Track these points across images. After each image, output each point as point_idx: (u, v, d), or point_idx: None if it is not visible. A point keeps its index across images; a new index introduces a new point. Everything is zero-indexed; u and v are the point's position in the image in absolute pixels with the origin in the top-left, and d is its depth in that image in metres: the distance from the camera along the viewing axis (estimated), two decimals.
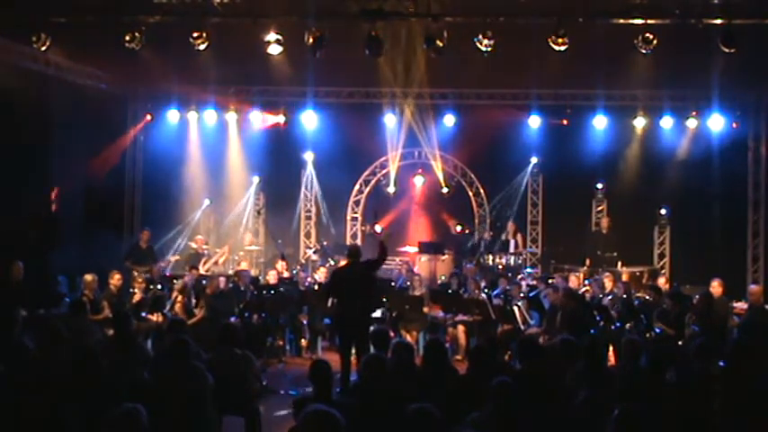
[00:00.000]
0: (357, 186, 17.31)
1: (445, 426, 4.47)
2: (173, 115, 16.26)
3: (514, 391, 5.10)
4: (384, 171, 17.02)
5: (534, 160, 16.61)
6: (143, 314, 11.25)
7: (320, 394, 5.42)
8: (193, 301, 11.87)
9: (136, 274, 12.48)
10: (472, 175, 17.06)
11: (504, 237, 16.00)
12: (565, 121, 15.82)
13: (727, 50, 9.69)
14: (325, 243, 16.33)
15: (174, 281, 12.34)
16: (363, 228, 17.00)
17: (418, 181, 16.87)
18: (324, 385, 5.51)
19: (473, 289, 12.18)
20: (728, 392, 5.74)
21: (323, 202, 17.25)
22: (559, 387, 5.89)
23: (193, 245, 15.22)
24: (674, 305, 10.61)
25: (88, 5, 10.30)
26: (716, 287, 10.95)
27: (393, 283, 13.06)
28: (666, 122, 15.40)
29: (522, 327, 11.31)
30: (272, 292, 12.14)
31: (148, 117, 16.35)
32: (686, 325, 10.18)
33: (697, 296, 11.11)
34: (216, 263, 15.03)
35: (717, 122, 15.15)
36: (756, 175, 15.56)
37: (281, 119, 16.30)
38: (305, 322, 12.27)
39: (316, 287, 12.69)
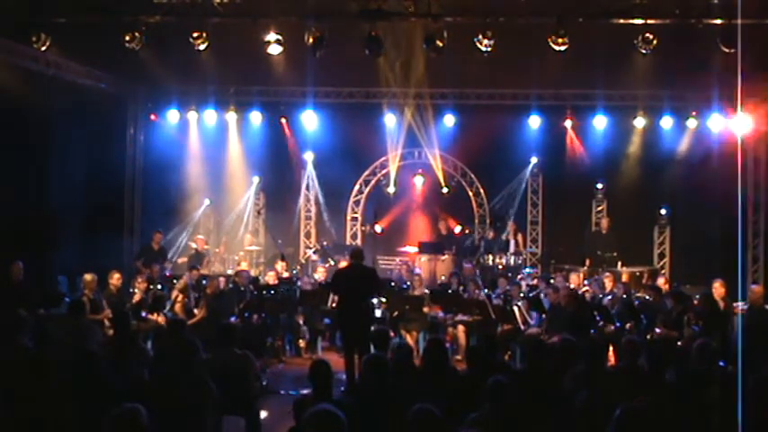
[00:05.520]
0: (357, 186, 17.31)
1: (445, 426, 4.46)
2: (173, 115, 16.26)
3: (510, 390, 5.10)
4: (384, 171, 17.02)
5: (534, 160, 16.63)
6: (143, 314, 11.26)
7: (320, 394, 5.42)
8: (193, 301, 11.87)
9: (146, 273, 12.45)
10: (472, 175, 17.06)
11: (504, 237, 16.01)
12: (569, 122, 15.86)
13: (727, 50, 9.69)
14: (325, 243, 16.35)
15: (174, 281, 12.35)
16: (363, 228, 17.00)
17: (418, 181, 16.87)
18: (324, 385, 5.51)
19: (472, 289, 12.19)
20: (728, 393, 5.73)
21: (323, 202, 17.26)
22: (559, 387, 5.89)
23: (194, 245, 15.24)
24: (675, 305, 10.61)
25: (88, 5, 10.29)
26: (718, 288, 10.94)
27: (393, 284, 13.06)
28: (666, 122, 15.40)
29: (522, 327, 11.31)
30: (272, 292, 12.15)
31: (153, 117, 16.36)
32: (685, 325, 10.18)
33: (697, 296, 11.11)
34: (214, 263, 15.07)
35: (717, 122, 15.15)
36: (756, 175, 15.55)
37: None
38: (301, 323, 12.29)
39: (309, 287, 12.72)
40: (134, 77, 14.90)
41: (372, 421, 5.11)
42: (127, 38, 10.34)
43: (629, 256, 15.03)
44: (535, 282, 13.69)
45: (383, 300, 12.06)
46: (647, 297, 11.61)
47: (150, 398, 5.06)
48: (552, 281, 12.74)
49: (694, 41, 10.29)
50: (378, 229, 15.55)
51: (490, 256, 15.43)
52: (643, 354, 6.53)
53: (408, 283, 12.96)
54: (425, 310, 12.09)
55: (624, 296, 11.65)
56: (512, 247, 15.75)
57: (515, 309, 11.48)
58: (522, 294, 12.12)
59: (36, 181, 13.33)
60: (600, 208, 16.76)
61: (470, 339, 11.50)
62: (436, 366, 6.39)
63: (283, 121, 16.44)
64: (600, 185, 16.56)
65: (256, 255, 16.15)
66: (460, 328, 11.79)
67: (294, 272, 14.49)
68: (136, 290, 11.46)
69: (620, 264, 14.61)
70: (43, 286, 11.37)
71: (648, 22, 9.98)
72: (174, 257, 15.36)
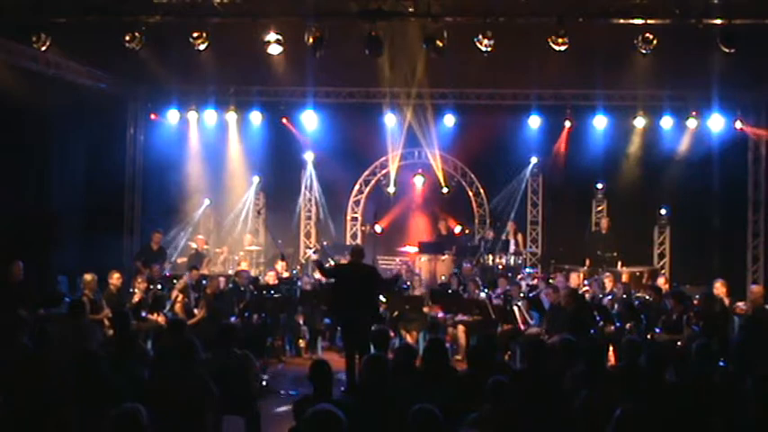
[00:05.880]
0: (357, 186, 17.32)
1: (445, 426, 4.47)
2: (173, 115, 16.25)
3: (509, 390, 5.10)
4: (384, 171, 17.02)
5: (534, 160, 16.63)
6: (143, 314, 11.26)
7: (320, 394, 5.42)
8: (193, 301, 11.87)
9: (146, 273, 12.43)
10: (472, 175, 17.07)
11: (504, 237, 16.01)
12: (567, 123, 15.85)
13: (727, 50, 9.69)
14: (325, 243, 16.35)
15: (174, 281, 12.34)
16: (363, 228, 17.00)
17: (418, 181, 16.87)
18: (324, 385, 5.51)
19: (472, 289, 12.20)
20: (728, 392, 5.74)
21: (323, 202, 17.26)
22: (559, 387, 5.90)
23: (194, 245, 15.24)
24: (675, 305, 10.61)
25: (88, 5, 10.29)
26: (719, 288, 10.95)
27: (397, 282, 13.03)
28: (666, 122, 15.38)
29: (522, 327, 11.31)
30: (272, 292, 12.15)
31: (153, 116, 16.36)
32: (686, 325, 10.17)
33: (698, 296, 11.11)
34: (215, 263, 15.06)
35: (717, 122, 15.15)
36: (756, 175, 15.54)
37: None
38: (301, 322, 12.29)
39: (309, 287, 12.71)
40: (134, 77, 14.91)
41: (372, 421, 5.11)
42: (127, 38, 10.33)
43: (629, 256, 15.01)
44: (535, 282, 13.70)
45: (383, 300, 12.06)
46: (647, 297, 11.61)
47: (150, 398, 5.06)
48: (552, 281, 12.74)
49: (694, 41, 10.29)
50: (378, 229, 15.55)
51: (490, 256, 15.43)
52: (643, 354, 6.53)
53: (408, 283, 12.96)
54: (425, 310, 12.09)
55: (624, 296, 11.66)
56: (512, 247, 15.75)
57: (515, 309, 11.48)
58: (522, 294, 12.12)
59: (36, 181, 13.34)
60: (600, 208, 16.76)
61: (470, 339, 11.50)
62: (436, 366, 6.39)
63: (284, 120, 16.45)
64: (600, 185, 16.56)
65: (256, 255, 16.15)
66: (460, 328, 11.79)
67: (294, 272, 14.49)
68: (136, 290, 11.45)
69: (620, 264, 14.60)
70: (43, 286, 11.37)
71: (648, 22, 9.96)
72: (174, 257, 15.37)
